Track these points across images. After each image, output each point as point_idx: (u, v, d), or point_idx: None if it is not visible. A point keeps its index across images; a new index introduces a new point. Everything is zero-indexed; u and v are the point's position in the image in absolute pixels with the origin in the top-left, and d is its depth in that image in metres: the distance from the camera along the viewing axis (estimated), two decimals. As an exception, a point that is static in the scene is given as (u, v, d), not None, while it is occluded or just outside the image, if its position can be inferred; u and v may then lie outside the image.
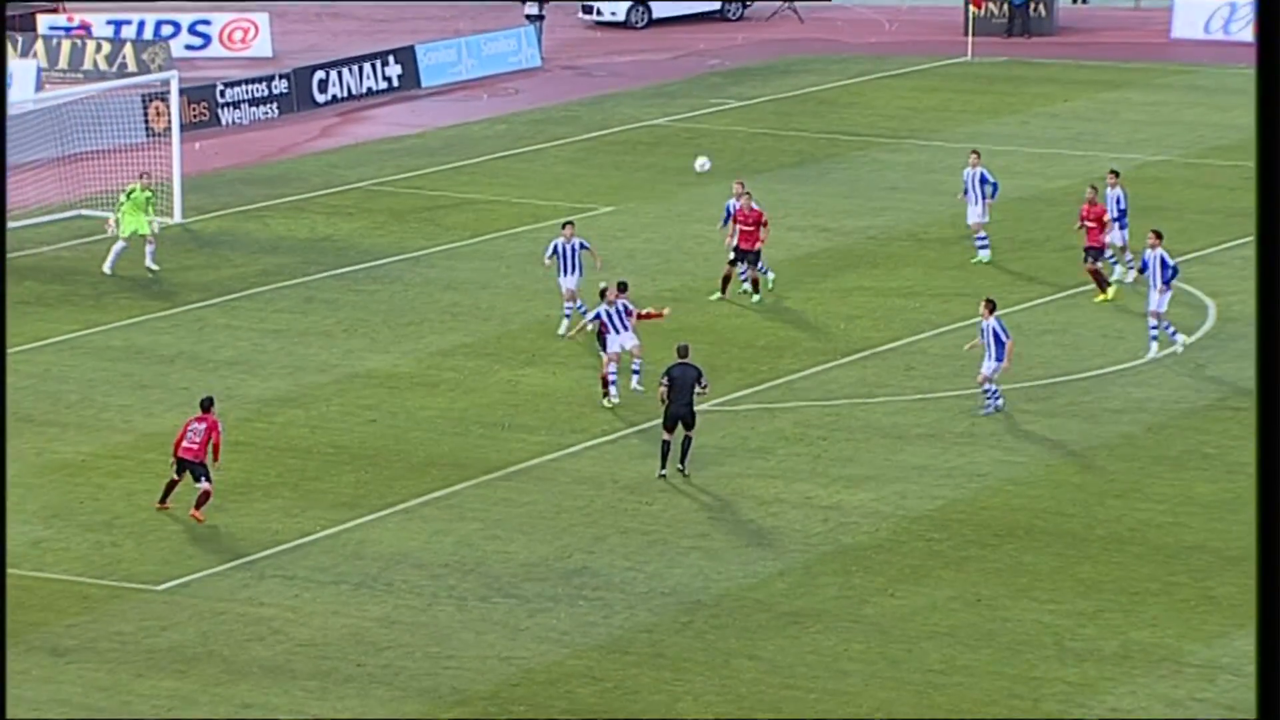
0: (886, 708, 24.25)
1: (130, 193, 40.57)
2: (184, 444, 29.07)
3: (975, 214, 40.86)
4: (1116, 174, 39.64)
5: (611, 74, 59.12)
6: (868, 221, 43.87)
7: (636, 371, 33.60)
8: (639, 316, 33.49)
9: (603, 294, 33.48)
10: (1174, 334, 35.93)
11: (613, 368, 33.28)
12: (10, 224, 42.46)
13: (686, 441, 30.29)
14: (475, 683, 24.86)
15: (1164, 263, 35.89)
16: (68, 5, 61.47)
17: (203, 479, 29.03)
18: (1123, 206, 39.03)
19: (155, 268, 40.41)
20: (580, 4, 65.63)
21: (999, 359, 32.88)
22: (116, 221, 40.39)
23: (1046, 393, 34.19)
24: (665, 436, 30.37)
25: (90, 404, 33.79)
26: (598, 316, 33.30)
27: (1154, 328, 35.92)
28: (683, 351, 30.78)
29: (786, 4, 65.87)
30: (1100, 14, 66.85)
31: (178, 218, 43.93)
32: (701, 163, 38.43)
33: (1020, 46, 62.39)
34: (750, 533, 29.02)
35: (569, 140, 51.54)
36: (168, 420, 33.07)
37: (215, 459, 29.12)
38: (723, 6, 66.01)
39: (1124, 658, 25.44)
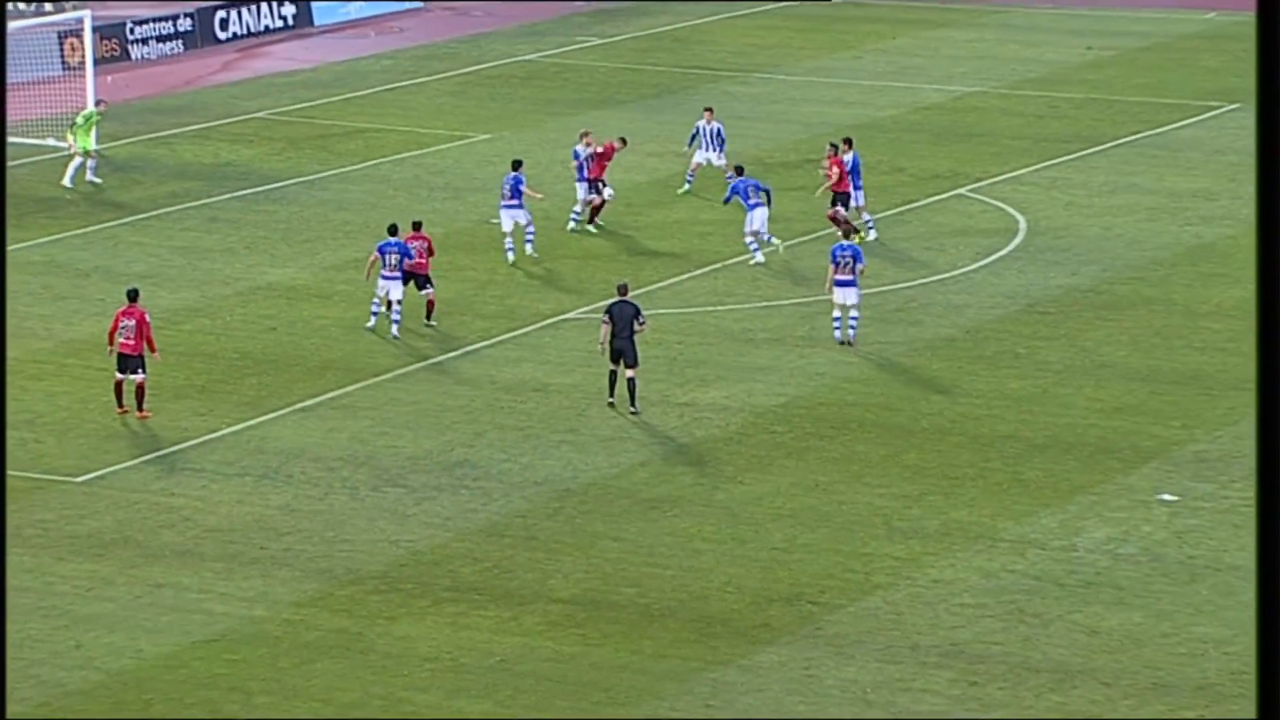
0: (736, 581, 24.36)
1: (89, 116, 40.43)
2: (120, 340, 28.62)
3: (716, 159, 39.37)
4: (850, 141, 37.58)
5: (487, 14, 58.58)
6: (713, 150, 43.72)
7: (398, 321, 31.97)
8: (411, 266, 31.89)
9: (417, 226, 32.54)
10: (760, 247, 35.82)
11: (377, 306, 31.85)
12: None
13: (630, 383, 29.13)
14: (368, 563, 24.74)
15: (757, 187, 35.99)
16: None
17: (139, 371, 28.59)
18: (857, 169, 37.24)
19: (99, 180, 40.20)
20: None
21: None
22: (73, 140, 40.30)
23: (877, 300, 34.32)
24: (612, 366, 29.20)
25: (13, 313, 33.20)
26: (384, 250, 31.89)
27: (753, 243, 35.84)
28: (622, 290, 29.59)
29: (645, -49, 65.40)
30: (925, -39, 66.90)
31: (92, 144, 43.14)
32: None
33: (854, -10, 62.28)
34: (614, 427, 29.00)
35: (449, 74, 51.05)
36: (85, 328, 32.59)
37: (152, 350, 28.70)
38: (587, -47, 65.44)
39: (945, 535, 25.67)
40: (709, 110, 40.48)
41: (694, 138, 40.03)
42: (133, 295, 29.03)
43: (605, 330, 29.10)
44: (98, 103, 41.56)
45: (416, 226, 32.83)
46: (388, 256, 31.95)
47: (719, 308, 34.07)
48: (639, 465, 27.73)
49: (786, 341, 32.40)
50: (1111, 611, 23.47)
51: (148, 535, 25.40)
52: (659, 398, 30.01)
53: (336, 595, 23.93)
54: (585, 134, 38.23)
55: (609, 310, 29.31)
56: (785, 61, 52.55)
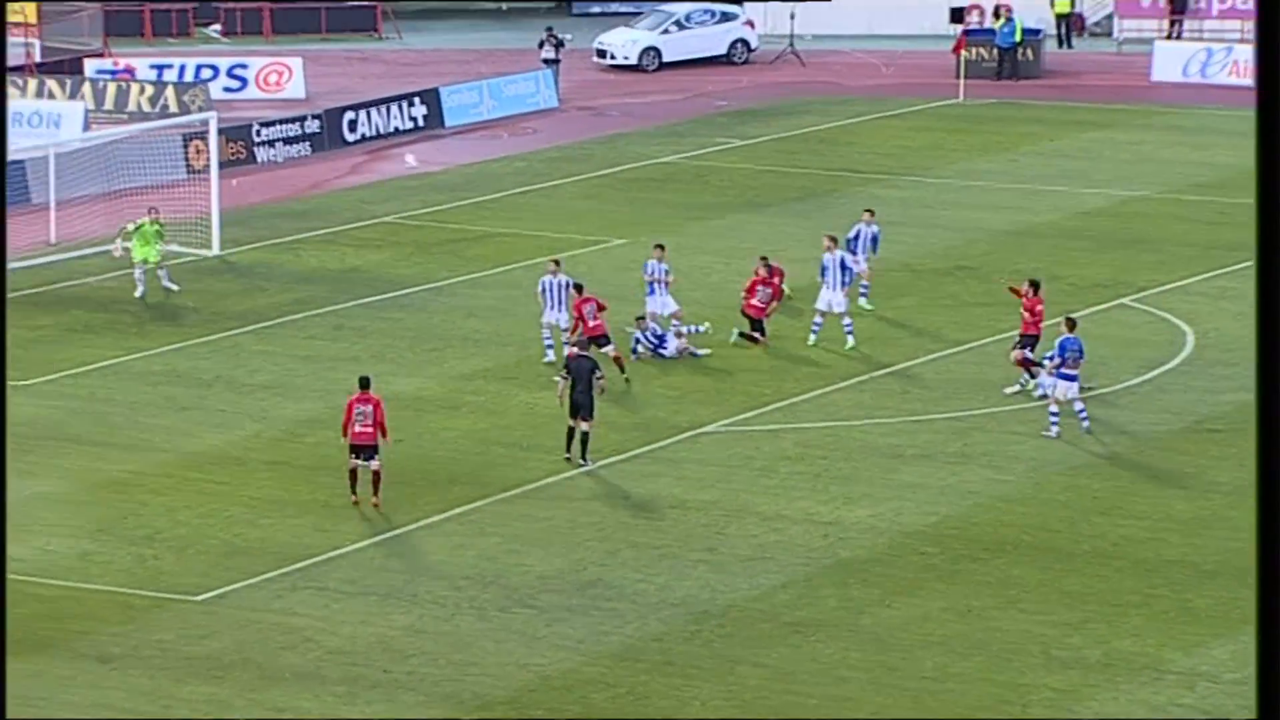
0: (884, 712, 24.22)
1: (139, 226, 40.57)
2: (355, 429, 29.51)
3: (861, 265, 39.28)
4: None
5: (624, 114, 59.17)
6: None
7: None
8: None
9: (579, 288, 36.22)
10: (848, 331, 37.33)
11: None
12: (59, 255, 42.57)
13: (584, 436, 31.48)
14: (496, 688, 24.85)
15: (843, 265, 37.25)
16: (113, 50, 61.62)
17: (375, 459, 29.35)
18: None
19: (174, 287, 40.61)
20: (594, 48, 65.77)
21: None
22: (124, 250, 40.40)
23: (1034, 415, 34.17)
24: (570, 423, 31.65)
25: (134, 425, 33.82)
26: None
27: (818, 324, 37.39)
28: (583, 346, 32.30)
29: (789, 49, 65.99)
30: (1085, 58, 66.92)
31: (215, 250, 43.99)
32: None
33: (1009, 89, 62.42)
34: (754, 547, 29.02)
35: (584, 176, 51.58)
36: (207, 440, 33.10)
37: (384, 436, 29.75)
38: (729, 51, 66.15)
39: (1107, 665, 25.41)
40: (869, 211, 40.42)
41: (855, 241, 39.84)
42: (365, 383, 30.08)
43: (563, 385, 31.58)
44: (149, 210, 41.18)
45: (579, 289, 36.18)
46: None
47: (866, 421, 34.06)
48: (781, 587, 27.71)
49: (937, 458, 32.31)
50: (1287, 750, 23.09)
51: (268, 657, 25.67)
52: (802, 516, 30.00)
53: (463, 721, 24.04)
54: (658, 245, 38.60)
55: (567, 366, 31.79)
56: (936, 164, 52.65)
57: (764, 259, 38.65)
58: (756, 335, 37.81)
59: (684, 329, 37.08)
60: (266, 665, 25.42)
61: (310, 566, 28.30)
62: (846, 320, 37.44)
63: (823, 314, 37.51)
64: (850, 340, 37.39)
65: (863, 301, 39.67)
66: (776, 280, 38.35)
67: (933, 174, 51.58)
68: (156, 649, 25.84)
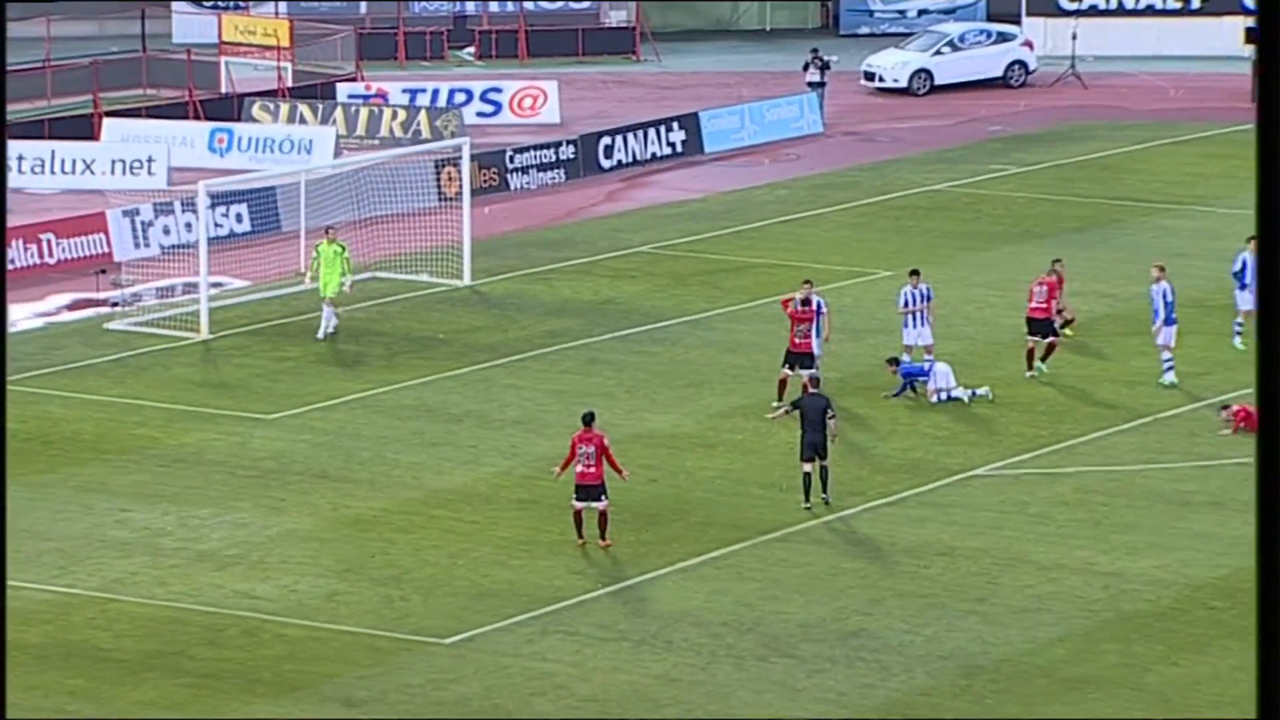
0: (1167, 778, 23.76)
1: (318, 252, 40.47)
2: (579, 469, 29.87)
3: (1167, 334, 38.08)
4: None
5: (892, 140, 58.92)
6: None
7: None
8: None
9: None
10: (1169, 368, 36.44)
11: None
12: (308, 285, 43.36)
13: (823, 471, 31.40)
14: (753, 742, 24.79)
15: (1166, 299, 36.22)
16: (365, 74, 62.83)
17: (602, 498, 29.81)
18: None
19: (331, 328, 40.02)
20: (862, 71, 65.62)
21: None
22: (311, 279, 40.48)
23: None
24: (806, 467, 31.36)
25: (382, 461, 34.33)
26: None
27: (1167, 361, 36.41)
28: (814, 381, 32.57)
29: (1070, 71, 65.25)
30: (1391, 78, 65.21)
31: (467, 280, 44.57)
32: None
33: (1308, 111, 61.02)
34: (1029, 598, 28.63)
35: (849, 205, 51.45)
36: (456, 477, 33.49)
37: (618, 472, 30.13)
38: (1005, 73, 65.59)
39: None
40: (1253, 239, 39.54)
41: (1241, 272, 38.93)
42: (589, 419, 30.26)
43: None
44: (326, 230, 41.08)
45: (805, 302, 36.41)
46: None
47: (1151, 466, 33.47)
48: (1057, 641, 27.31)
49: (1228, 506, 31.65)
50: None
51: (519, 704, 25.86)
52: (1081, 566, 29.55)
53: (719, 776, 23.99)
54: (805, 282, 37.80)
55: (797, 404, 31.88)
56: (1229, 193, 51.65)
57: (1057, 260, 38.69)
58: (1033, 343, 37.22)
59: (964, 394, 36.34)
60: (517, 712, 25.60)
61: (561, 610, 28.48)
62: (1167, 355, 36.75)
63: (1170, 349, 36.78)
64: (1169, 377, 36.72)
65: (1237, 341, 38.72)
66: (1056, 280, 38.15)
67: (1225, 203, 50.59)
68: (404, 694, 26.16)
